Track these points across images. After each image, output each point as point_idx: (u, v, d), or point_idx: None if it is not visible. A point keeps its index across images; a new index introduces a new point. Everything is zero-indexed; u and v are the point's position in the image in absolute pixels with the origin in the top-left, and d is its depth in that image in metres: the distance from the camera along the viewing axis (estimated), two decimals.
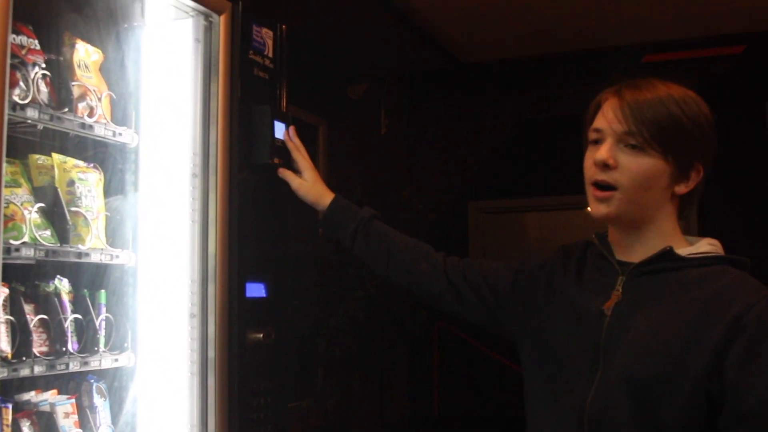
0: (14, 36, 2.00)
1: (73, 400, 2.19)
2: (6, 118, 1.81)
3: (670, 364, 1.50)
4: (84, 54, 2.25)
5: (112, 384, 2.31)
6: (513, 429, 2.27)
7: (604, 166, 1.58)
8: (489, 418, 6.68)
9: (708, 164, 1.61)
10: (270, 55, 2.41)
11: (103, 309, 2.27)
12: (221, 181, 2.24)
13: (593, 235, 1.74)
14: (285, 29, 2.48)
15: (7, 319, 1.98)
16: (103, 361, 2.21)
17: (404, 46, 6.31)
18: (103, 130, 2.21)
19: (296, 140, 2.33)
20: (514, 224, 7.46)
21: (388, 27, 5.87)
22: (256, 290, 2.31)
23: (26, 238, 2.00)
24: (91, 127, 2.17)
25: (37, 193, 2.16)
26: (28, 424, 2.06)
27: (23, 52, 2.04)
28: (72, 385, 2.27)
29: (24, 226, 2.01)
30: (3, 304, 1.99)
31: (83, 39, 2.27)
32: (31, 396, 2.14)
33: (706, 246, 1.63)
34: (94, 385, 2.25)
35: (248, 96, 2.31)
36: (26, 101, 1.97)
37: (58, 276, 2.21)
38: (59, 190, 2.17)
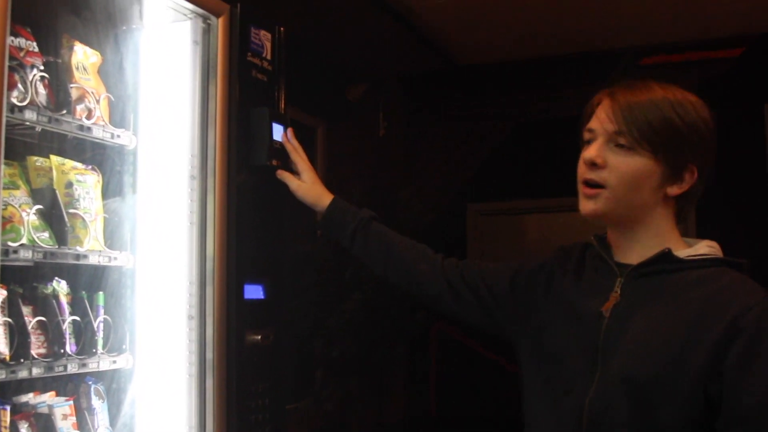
0: (12, 38, 2.00)
1: (72, 402, 2.19)
2: (4, 120, 1.81)
3: (669, 365, 1.50)
4: (82, 56, 2.25)
5: (110, 386, 2.31)
6: (511, 430, 2.27)
7: (593, 164, 1.61)
8: (487, 419, 6.66)
9: (706, 166, 1.61)
10: (268, 57, 2.41)
11: (102, 311, 2.27)
12: (219, 183, 2.24)
13: (592, 237, 1.75)
14: (283, 31, 2.48)
15: (5, 321, 1.98)
16: (101, 362, 2.21)
17: (403, 47, 6.31)
18: (101, 132, 2.21)
19: (294, 142, 2.33)
20: (513, 226, 7.46)
21: (386, 29, 5.87)
22: (254, 292, 2.31)
23: (24, 240, 2.00)
24: (89, 129, 2.17)
25: (36, 195, 2.16)
26: (26, 426, 2.06)
27: (21, 54, 2.05)
28: (70, 386, 2.26)
29: (22, 228, 2.01)
30: (1, 306, 1.99)
31: (82, 41, 2.27)
32: (29, 398, 2.14)
33: (705, 248, 1.63)
34: (93, 386, 2.25)
35: (246, 98, 2.31)
36: (24, 103, 1.97)
37: (57, 278, 2.21)
38: (57, 192, 2.17)
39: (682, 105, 1.58)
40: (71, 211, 2.18)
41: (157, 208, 2.32)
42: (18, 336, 2.00)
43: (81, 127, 2.16)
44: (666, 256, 1.60)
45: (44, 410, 2.13)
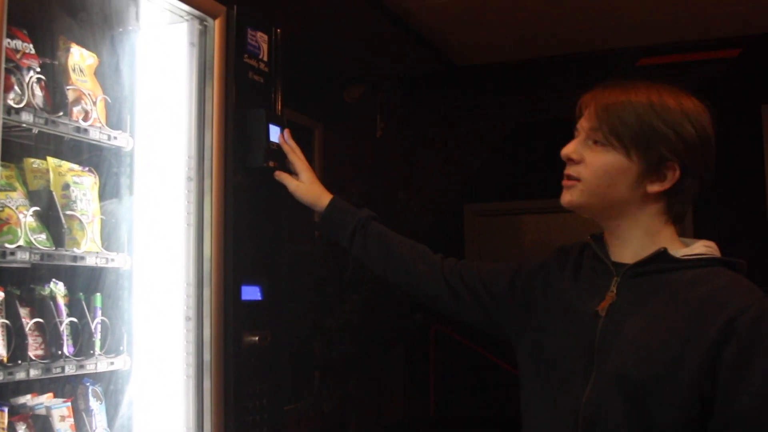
0: (9, 40, 2.00)
1: (69, 404, 2.19)
2: (1, 122, 1.82)
3: (664, 365, 1.50)
4: (79, 58, 2.25)
5: (107, 387, 2.31)
6: (509, 430, 2.27)
7: (569, 159, 1.67)
8: (486, 419, 6.68)
9: (694, 166, 1.60)
10: (265, 58, 2.41)
11: (99, 312, 2.27)
12: (216, 185, 2.24)
13: (589, 236, 1.75)
14: (280, 33, 2.48)
15: (3, 322, 1.98)
16: (98, 364, 2.21)
17: (400, 49, 6.31)
18: (98, 133, 2.21)
19: (292, 143, 2.33)
20: (510, 227, 7.47)
21: (384, 30, 5.87)
22: (251, 293, 2.31)
23: (21, 242, 2.00)
24: (86, 130, 2.17)
25: (33, 197, 2.16)
26: (24, 427, 2.06)
27: (18, 56, 2.04)
28: (68, 388, 2.26)
29: (19, 230, 2.01)
30: None
31: (78, 43, 2.27)
32: (26, 399, 2.14)
33: (702, 248, 1.63)
34: (90, 388, 2.25)
35: (243, 99, 2.31)
36: (21, 105, 1.97)
37: (54, 279, 2.21)
38: (54, 193, 2.17)
39: (664, 105, 1.59)
40: (68, 212, 2.18)
41: (154, 210, 2.32)
42: (15, 337, 2.00)
43: (78, 129, 2.16)
44: (662, 255, 1.60)
45: (42, 412, 2.13)
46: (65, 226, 2.16)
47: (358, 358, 5.92)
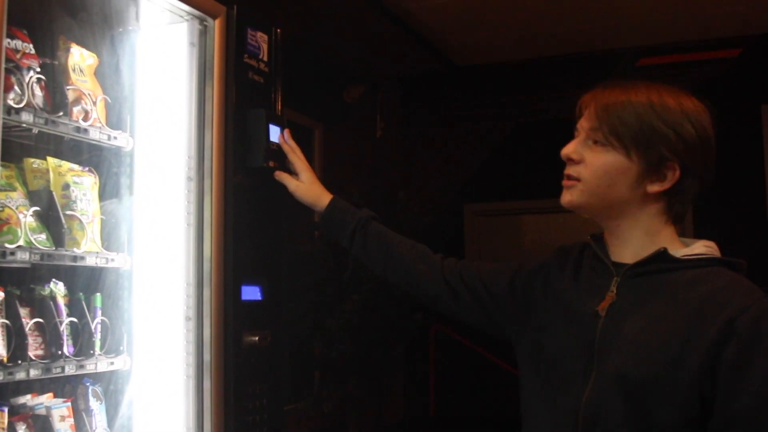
0: (9, 40, 2.00)
1: (69, 404, 2.19)
2: (1, 122, 1.81)
3: (664, 365, 1.50)
4: (79, 58, 2.25)
5: (108, 387, 2.31)
6: (509, 430, 2.27)
7: (569, 159, 1.67)
8: (486, 419, 6.68)
9: (694, 166, 1.60)
10: (265, 58, 2.41)
11: (99, 312, 2.27)
12: (216, 185, 2.24)
13: (589, 236, 1.75)
14: (280, 33, 2.48)
15: (3, 322, 1.98)
16: (98, 364, 2.21)
17: (400, 49, 6.31)
18: (98, 133, 2.21)
19: (292, 143, 2.33)
20: (510, 227, 7.47)
21: (384, 30, 5.87)
22: (251, 293, 2.31)
23: (21, 242, 2.00)
24: (86, 130, 2.17)
25: (33, 197, 2.16)
26: (24, 427, 2.06)
27: (18, 56, 2.04)
28: (68, 388, 2.27)
29: (19, 230, 2.01)
30: None
31: (78, 43, 2.27)
32: (26, 399, 2.14)
33: (702, 248, 1.63)
34: (90, 388, 2.25)
35: (243, 99, 2.31)
36: (21, 105, 1.97)
37: (54, 279, 2.21)
38: (54, 193, 2.17)
39: (664, 105, 1.59)
40: (68, 212, 2.18)
41: (154, 210, 2.32)
42: (15, 337, 2.00)
43: (78, 129, 2.16)
44: (662, 255, 1.60)
45: (42, 412, 2.13)
46: (65, 226, 2.16)
47: (358, 358, 5.92)
